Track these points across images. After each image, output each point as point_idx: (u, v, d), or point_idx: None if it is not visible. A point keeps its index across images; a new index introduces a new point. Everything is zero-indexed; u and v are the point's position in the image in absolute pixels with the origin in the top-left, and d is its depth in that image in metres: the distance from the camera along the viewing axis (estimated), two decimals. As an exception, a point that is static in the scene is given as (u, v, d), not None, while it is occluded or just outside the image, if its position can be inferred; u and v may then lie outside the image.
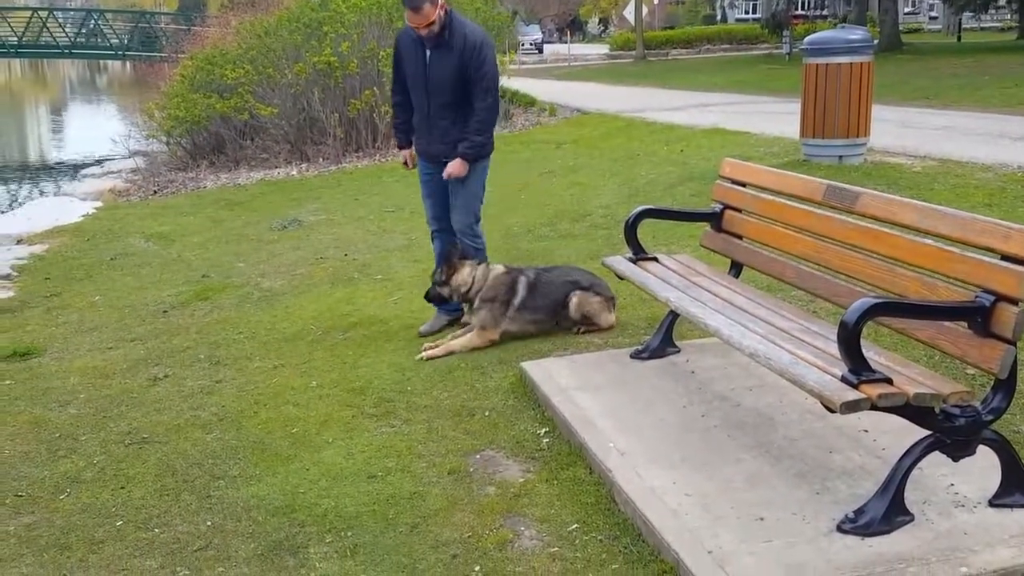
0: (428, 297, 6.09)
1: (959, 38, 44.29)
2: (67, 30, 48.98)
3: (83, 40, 49.14)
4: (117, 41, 49.51)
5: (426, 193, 6.20)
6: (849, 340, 3.06)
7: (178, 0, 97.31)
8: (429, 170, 6.08)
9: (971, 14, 44.78)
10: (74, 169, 21.35)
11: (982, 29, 52.62)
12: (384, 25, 16.84)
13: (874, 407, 3.03)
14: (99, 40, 49.88)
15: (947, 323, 3.29)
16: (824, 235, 4.19)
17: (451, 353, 5.69)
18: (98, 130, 26.95)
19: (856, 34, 9.95)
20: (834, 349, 3.41)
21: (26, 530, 4.03)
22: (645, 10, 53.70)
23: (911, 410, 3.12)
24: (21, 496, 4.36)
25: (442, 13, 5.59)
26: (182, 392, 5.58)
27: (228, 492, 4.22)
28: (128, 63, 54.87)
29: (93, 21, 50.25)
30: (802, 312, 4.30)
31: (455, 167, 5.86)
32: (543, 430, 4.54)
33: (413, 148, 6.19)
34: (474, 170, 5.93)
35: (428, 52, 5.71)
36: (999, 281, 3.12)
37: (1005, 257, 3.15)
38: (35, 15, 46.94)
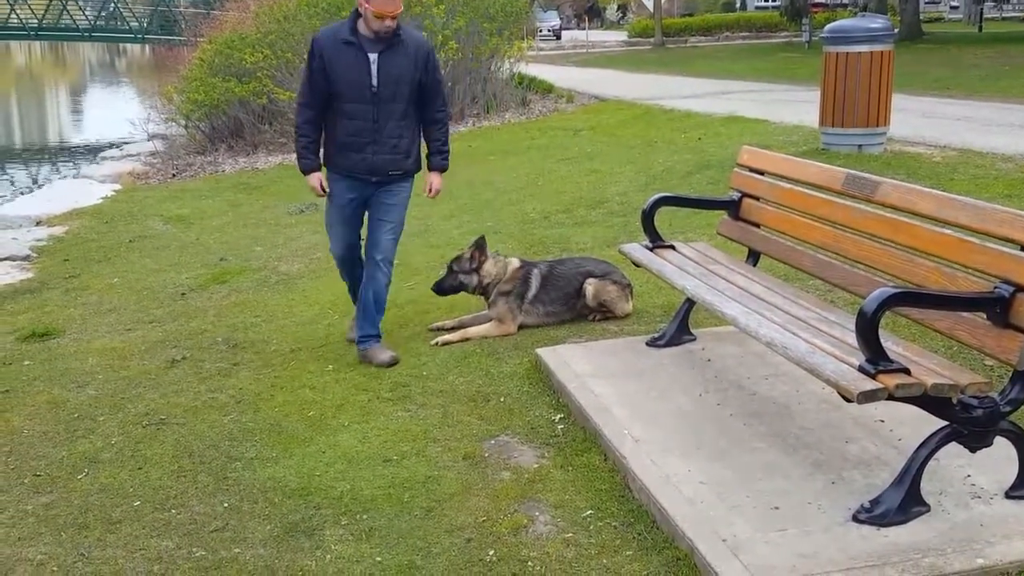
0: (442, 289, 5.97)
1: (980, 28, 43.96)
2: (87, 13, 49.11)
3: (102, 23, 49.25)
4: (136, 24, 49.61)
5: (341, 219, 5.60)
6: (867, 330, 3.05)
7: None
8: (352, 192, 5.51)
9: (993, 3, 44.54)
10: (93, 152, 21.43)
11: (1003, 19, 52.26)
12: (405, 9, 16.78)
13: (891, 397, 3.03)
14: (118, 23, 50.00)
15: (965, 314, 3.29)
16: (842, 224, 4.18)
17: (466, 340, 5.70)
18: (117, 113, 27.03)
19: (877, 23, 9.88)
20: (851, 339, 3.42)
21: (44, 509, 4.06)
22: (665, -3, 53.40)
23: (929, 400, 3.12)
24: (39, 476, 4.39)
25: None
26: (200, 374, 5.60)
27: (245, 474, 4.24)
28: (147, 47, 54.94)
29: (113, 4, 50.37)
30: (819, 301, 4.28)
31: (439, 181, 5.73)
32: (558, 416, 4.54)
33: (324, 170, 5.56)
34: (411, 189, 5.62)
35: (374, 56, 5.21)
36: (1019, 272, 3.11)
37: (1025, 248, 3.14)
38: (54, -2, 47.10)
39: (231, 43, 17.88)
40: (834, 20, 45.33)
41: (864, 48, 9.50)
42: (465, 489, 3.93)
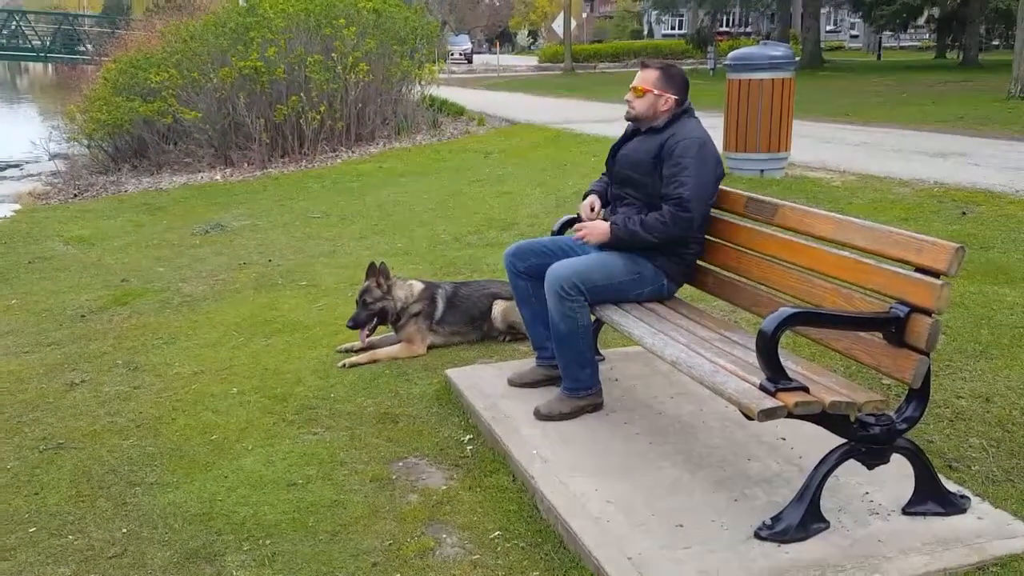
0: (358, 323, 5.81)
1: (879, 56, 45.42)
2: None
3: (4, 41, 47.95)
4: (39, 43, 48.44)
5: None
6: (767, 349, 3.11)
7: (102, 3, 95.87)
8: None
9: (891, 33, 45.96)
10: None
11: (901, 48, 54.06)
12: (312, 31, 16.76)
13: (791, 415, 3.08)
14: (20, 41, 48.75)
15: (862, 333, 3.36)
16: (744, 246, 4.26)
17: (375, 361, 5.66)
18: (17, 132, 26.31)
19: (778, 51, 10.14)
20: (753, 358, 3.47)
21: (-67, 538, 3.91)
22: (574, 23, 54.08)
23: (827, 418, 3.18)
24: (-72, 503, 4.23)
25: None
26: (99, 398, 5.46)
27: (144, 499, 4.13)
28: (50, 65, 53.69)
29: (15, 22, 49.06)
30: (722, 321, 4.35)
31: None
32: (467, 437, 4.53)
33: None
34: None
35: None
36: (913, 293, 3.19)
37: (919, 269, 3.23)
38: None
39: (136, 62, 17.59)
40: (738, 48, 46.56)
41: (766, 75, 9.74)
42: (372, 512, 3.89)
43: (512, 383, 4.93)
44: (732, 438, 4.14)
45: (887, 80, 28.20)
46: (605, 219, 4.62)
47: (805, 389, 3.15)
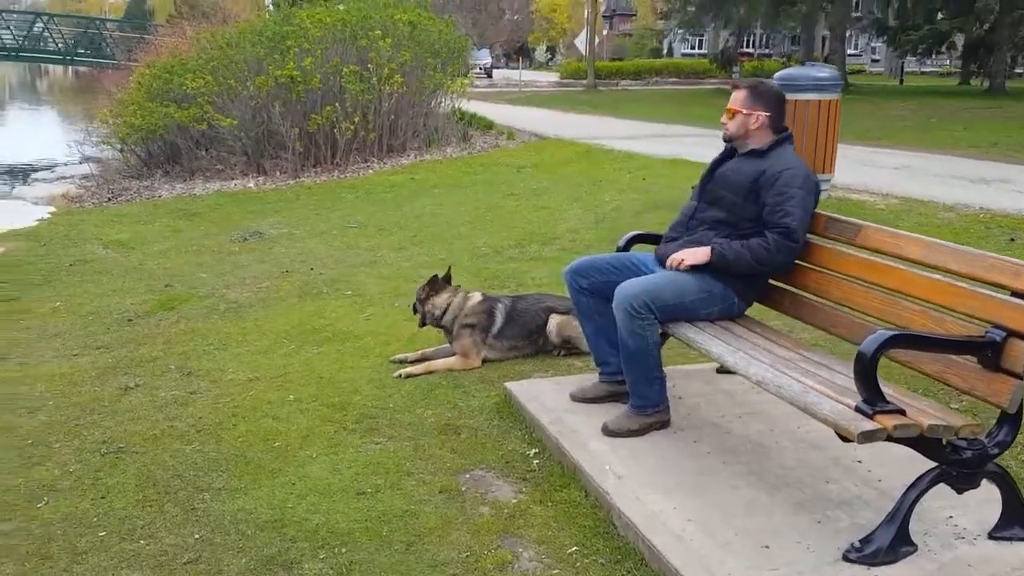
0: (413, 308, 6.09)
1: (902, 80, 45.35)
2: (14, 32, 48.08)
3: (30, 44, 48.28)
4: (62, 46, 48.78)
5: None
6: (866, 370, 3.08)
7: (124, 9, 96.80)
8: None
9: (916, 58, 45.93)
10: (20, 174, 20.97)
11: (922, 73, 53.98)
12: (347, 42, 16.81)
13: (889, 438, 3.05)
14: (44, 44, 49.10)
15: (956, 357, 3.33)
16: (824, 266, 4.22)
17: (430, 372, 5.65)
18: (42, 135, 26.52)
19: (824, 72, 10.11)
20: (840, 379, 3.49)
21: (4, 538, 3.90)
22: (596, 40, 54.12)
23: (921, 442, 3.15)
24: (-5, 503, 4.23)
25: None
26: (155, 402, 5.45)
27: (213, 505, 4.12)
28: (70, 69, 54.00)
29: (41, 25, 49.41)
30: (798, 341, 4.32)
31: None
32: (532, 451, 4.51)
33: None
34: None
35: None
36: (1010, 317, 3.16)
37: (1015, 293, 3.20)
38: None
39: (170, 68, 17.64)
40: (761, 69, 46.45)
41: (812, 96, 9.70)
42: (445, 524, 3.86)
43: (575, 398, 4.90)
44: (807, 459, 4.10)
45: (910, 104, 28.14)
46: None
47: (902, 412, 3.11)
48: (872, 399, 3.11)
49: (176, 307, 7.64)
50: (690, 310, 4.37)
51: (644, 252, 4.88)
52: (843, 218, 4.24)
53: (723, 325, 4.37)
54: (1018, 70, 43.56)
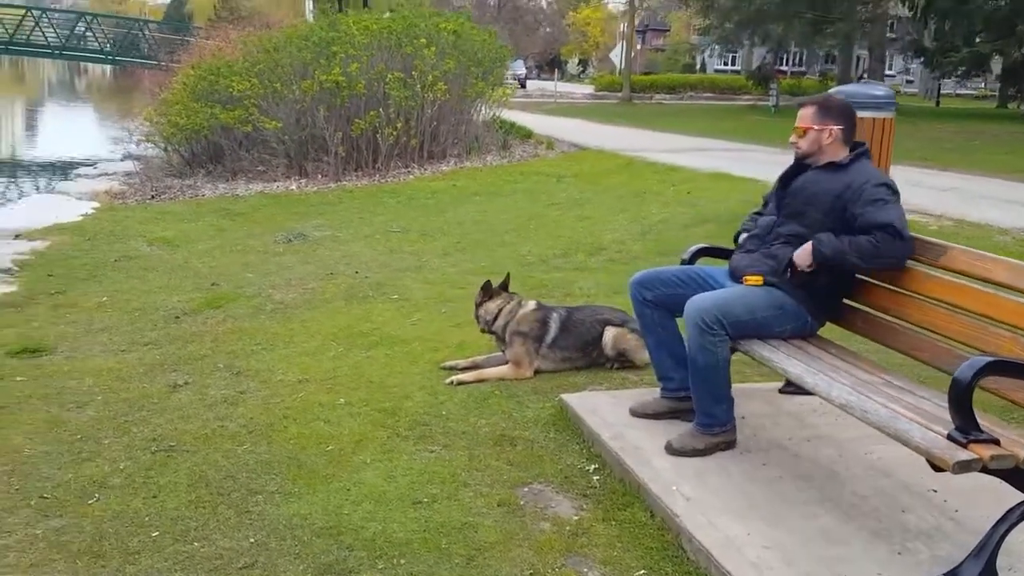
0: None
1: (938, 103, 44.89)
2: (58, 31, 48.50)
3: (73, 43, 48.69)
4: (106, 45, 49.16)
5: None
6: (961, 397, 2.96)
7: (163, 12, 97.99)
8: None
9: (956, 80, 45.49)
10: (63, 169, 21.12)
11: (957, 95, 53.46)
12: (392, 50, 16.81)
13: (984, 468, 2.92)
14: (86, 43, 49.51)
15: (1050, 386, 3.20)
16: (905, 287, 4.07)
17: (482, 381, 5.56)
18: (83, 131, 26.69)
19: (880, 90, 9.92)
20: (926, 405, 3.38)
21: (55, 534, 3.83)
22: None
23: (1015, 473, 3.01)
24: (46, 498, 4.15)
25: None
26: (205, 401, 5.39)
27: (268, 508, 4.04)
28: (108, 69, 54.38)
29: (85, 25, 49.81)
30: (876, 363, 4.18)
31: None
32: (592, 466, 4.39)
33: None
34: None
35: None
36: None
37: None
38: (28, 13, 46.49)
39: (216, 70, 17.68)
40: (798, 87, 46.17)
41: (867, 114, 9.51)
42: (506, 539, 3.76)
43: (634, 413, 4.79)
44: (880, 487, 3.96)
45: (948, 126, 27.76)
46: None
47: (996, 441, 2.99)
48: (966, 427, 2.98)
49: (223, 306, 7.60)
50: (762, 326, 4.25)
51: (711, 266, 4.78)
52: (927, 239, 4.09)
53: (796, 344, 4.24)
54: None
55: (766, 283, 4.30)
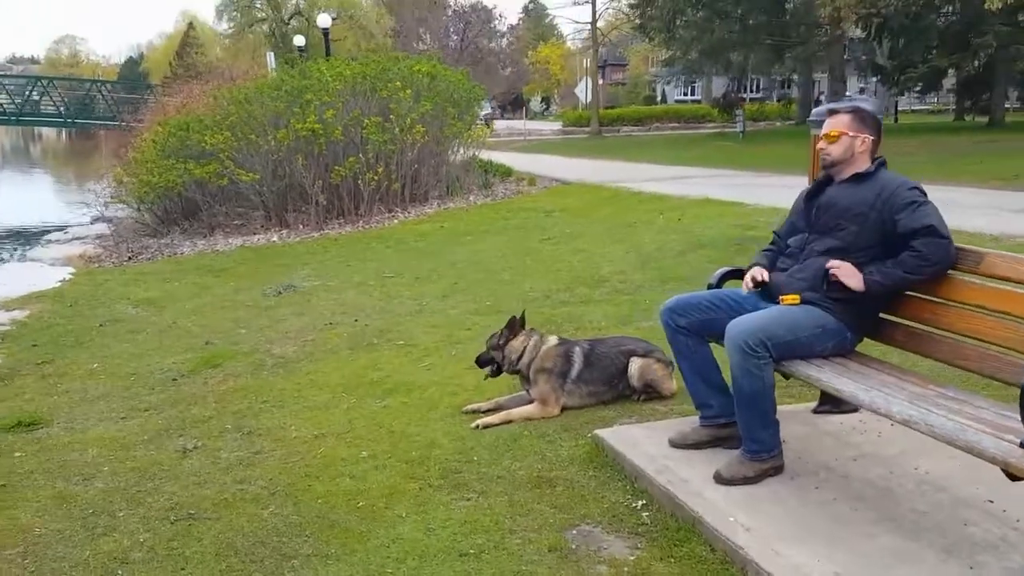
0: (480, 361, 5.75)
1: (896, 119, 45.28)
2: (12, 97, 47.98)
3: (29, 108, 48.23)
4: (62, 109, 48.72)
5: None
6: (1033, 405, 2.79)
7: (117, 72, 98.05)
8: None
9: (916, 96, 45.93)
10: (29, 237, 20.75)
11: (913, 111, 54.09)
12: (368, 94, 16.67)
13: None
14: (41, 108, 49.06)
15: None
16: (944, 297, 3.92)
17: (508, 422, 5.32)
18: (44, 197, 26.30)
19: (869, 104, 9.86)
20: (986, 414, 3.27)
21: (81, 619, 3.57)
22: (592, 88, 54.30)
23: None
24: (66, 580, 3.89)
25: None
26: (219, 464, 5.12)
27: (305, 573, 3.78)
28: (63, 133, 53.90)
29: (41, 89, 49.31)
30: (923, 375, 4.00)
31: None
32: (639, 502, 4.17)
33: None
34: None
35: None
36: None
37: None
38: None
39: (186, 125, 17.46)
40: (762, 112, 47.06)
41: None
42: (565, 586, 3.53)
43: (675, 444, 4.58)
44: (937, 502, 3.79)
45: (911, 142, 27.79)
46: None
47: (1069, 449, 2.81)
48: (1039, 435, 2.81)
49: (220, 364, 7.33)
50: (805, 346, 4.08)
51: (738, 288, 4.59)
52: (962, 246, 3.94)
53: (839, 362, 4.08)
54: (1006, 104, 43.38)
55: (804, 301, 4.15)
